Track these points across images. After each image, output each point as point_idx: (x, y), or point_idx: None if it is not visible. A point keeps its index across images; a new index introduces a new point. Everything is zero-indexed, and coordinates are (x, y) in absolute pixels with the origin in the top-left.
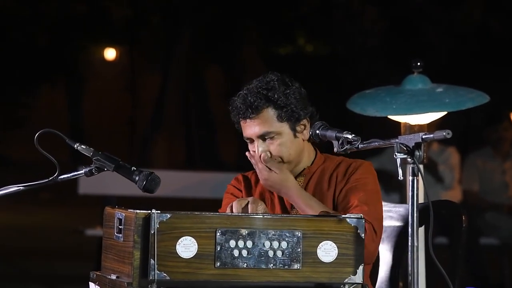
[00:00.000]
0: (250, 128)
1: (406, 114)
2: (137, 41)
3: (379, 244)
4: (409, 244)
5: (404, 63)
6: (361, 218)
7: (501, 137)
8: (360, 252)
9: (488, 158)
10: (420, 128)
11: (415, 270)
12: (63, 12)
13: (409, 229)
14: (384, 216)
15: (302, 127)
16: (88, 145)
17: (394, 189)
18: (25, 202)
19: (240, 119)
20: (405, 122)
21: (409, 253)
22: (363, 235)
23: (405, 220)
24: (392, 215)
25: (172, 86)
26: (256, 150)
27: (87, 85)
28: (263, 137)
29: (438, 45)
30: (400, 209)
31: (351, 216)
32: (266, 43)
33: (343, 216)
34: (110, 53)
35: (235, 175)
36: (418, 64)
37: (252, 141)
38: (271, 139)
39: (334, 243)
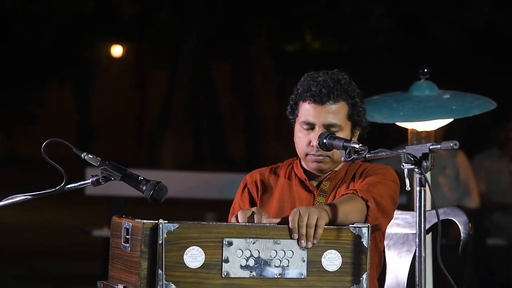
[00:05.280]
0: (320, 114)
1: (413, 121)
2: (145, 38)
3: (388, 219)
4: (417, 254)
5: (411, 61)
6: (364, 227)
7: (509, 137)
8: (364, 261)
9: (495, 159)
10: (427, 134)
11: (423, 281)
12: (71, 9)
13: (417, 240)
14: (390, 223)
15: (357, 132)
16: (96, 141)
17: (401, 191)
18: (32, 201)
19: (310, 101)
20: (412, 129)
21: (417, 263)
22: (366, 244)
23: (412, 227)
24: (399, 222)
25: (180, 83)
26: (316, 138)
27: (95, 82)
28: (328, 127)
29: (446, 42)
30: (407, 216)
31: (355, 225)
32: (274, 40)
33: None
34: (117, 50)
35: (243, 175)
36: (425, 70)
37: (310, 127)
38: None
39: (338, 252)
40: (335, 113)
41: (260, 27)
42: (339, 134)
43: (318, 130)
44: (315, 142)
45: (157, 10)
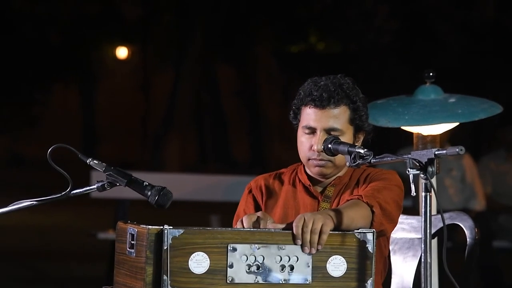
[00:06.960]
0: (321, 119)
1: (418, 125)
2: (150, 40)
3: (394, 224)
4: (423, 260)
5: (416, 62)
6: (369, 232)
7: None
8: (369, 266)
9: (501, 161)
10: (433, 138)
11: (428, 286)
12: (76, 12)
13: (422, 245)
14: (396, 228)
15: (360, 137)
16: (101, 143)
17: (407, 193)
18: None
19: (311, 106)
20: (417, 133)
21: (422, 269)
22: (371, 249)
23: (417, 231)
24: (404, 227)
25: (184, 85)
26: (317, 142)
27: (99, 83)
28: (329, 131)
29: (451, 43)
30: (412, 220)
31: (360, 231)
32: (278, 41)
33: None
34: (122, 52)
35: (247, 178)
36: (431, 74)
37: (312, 132)
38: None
39: (343, 257)
40: (336, 117)
41: (264, 28)
42: (341, 139)
43: (320, 135)
44: (316, 147)
45: (162, 12)
